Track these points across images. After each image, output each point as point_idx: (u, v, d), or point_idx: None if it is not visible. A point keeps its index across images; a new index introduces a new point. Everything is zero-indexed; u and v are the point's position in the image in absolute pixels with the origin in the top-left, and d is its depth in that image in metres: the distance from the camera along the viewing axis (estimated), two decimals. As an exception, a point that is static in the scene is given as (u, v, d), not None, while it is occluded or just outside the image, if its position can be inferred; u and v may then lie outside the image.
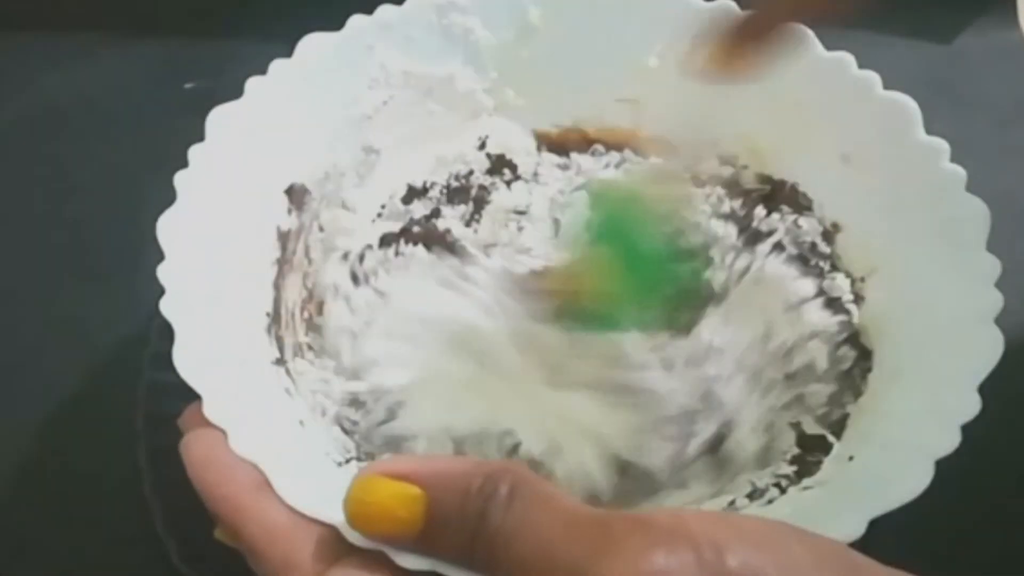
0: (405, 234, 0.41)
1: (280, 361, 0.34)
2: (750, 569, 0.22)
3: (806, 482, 0.32)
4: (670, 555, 0.22)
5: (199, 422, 0.29)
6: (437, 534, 0.24)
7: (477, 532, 0.24)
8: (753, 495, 0.32)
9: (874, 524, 0.27)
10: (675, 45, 0.41)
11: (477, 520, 0.24)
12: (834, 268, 0.37)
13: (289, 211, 0.37)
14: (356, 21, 0.39)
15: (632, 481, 0.34)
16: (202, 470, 0.28)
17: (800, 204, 0.39)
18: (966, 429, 0.28)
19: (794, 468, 0.33)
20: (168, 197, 0.33)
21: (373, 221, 0.41)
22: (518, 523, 0.23)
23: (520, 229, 0.41)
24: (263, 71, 0.37)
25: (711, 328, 0.37)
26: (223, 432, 0.28)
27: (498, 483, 0.24)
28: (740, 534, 0.22)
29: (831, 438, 0.33)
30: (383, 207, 0.41)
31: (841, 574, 0.22)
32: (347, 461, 0.33)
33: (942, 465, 0.28)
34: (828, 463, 0.32)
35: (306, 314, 0.38)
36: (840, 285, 0.37)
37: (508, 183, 0.42)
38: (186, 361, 0.29)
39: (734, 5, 0.40)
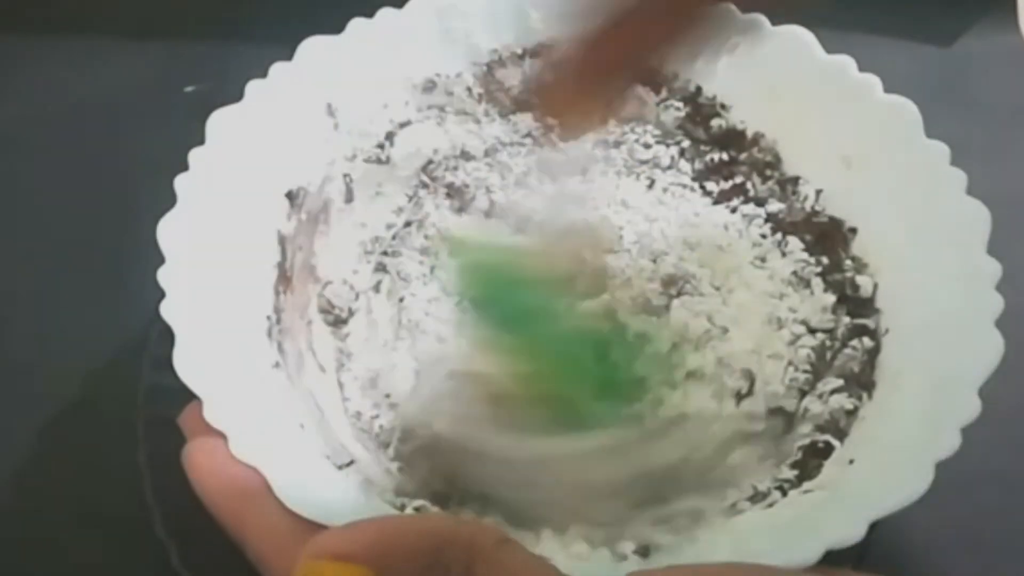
0: None
1: (279, 365, 0.34)
2: None
3: (806, 485, 0.32)
4: None
5: (199, 426, 0.29)
6: None
7: None
8: (754, 498, 0.32)
9: (874, 527, 0.27)
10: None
11: None
12: (838, 269, 0.37)
13: (289, 215, 0.37)
14: (356, 24, 0.39)
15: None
16: (204, 478, 0.28)
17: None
18: (966, 432, 0.28)
19: (795, 472, 0.33)
20: (168, 200, 0.33)
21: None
22: None
23: None
24: (263, 74, 0.37)
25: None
26: (223, 437, 0.28)
27: (450, 563, 0.23)
28: None
29: (833, 441, 0.33)
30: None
31: None
32: (348, 464, 0.33)
33: (942, 468, 0.28)
34: (828, 466, 0.32)
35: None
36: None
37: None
38: (186, 365, 0.29)
39: (734, 8, 0.40)
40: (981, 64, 0.50)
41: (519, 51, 0.42)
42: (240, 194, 0.35)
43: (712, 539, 0.31)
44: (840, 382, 0.34)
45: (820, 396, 0.34)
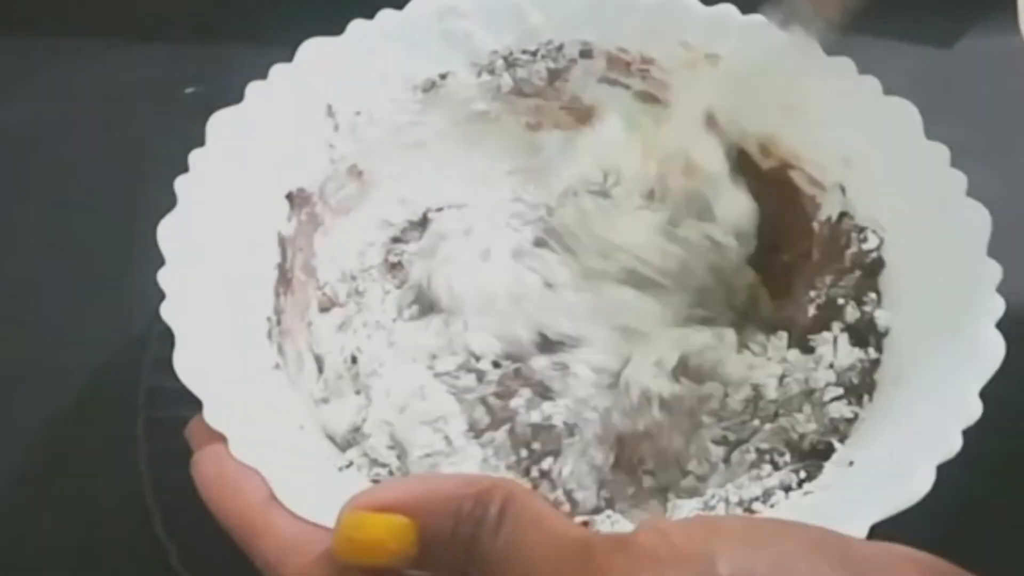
0: None
1: (279, 366, 0.34)
2: (742, 571, 0.22)
3: (807, 487, 0.32)
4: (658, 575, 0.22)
5: (205, 436, 0.29)
6: (431, 559, 0.24)
7: (469, 556, 0.24)
8: (756, 499, 0.32)
9: (875, 529, 0.27)
10: (675, 48, 0.41)
11: (469, 544, 0.24)
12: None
13: (289, 217, 0.37)
14: (357, 26, 0.39)
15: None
16: (211, 487, 0.28)
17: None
18: (967, 433, 0.28)
19: (796, 473, 0.32)
20: (169, 202, 0.33)
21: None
22: (507, 547, 0.23)
23: None
24: (264, 76, 0.37)
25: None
26: (227, 445, 0.28)
27: (488, 504, 0.24)
28: (726, 538, 0.22)
29: (835, 443, 0.33)
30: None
31: (831, 557, 0.22)
32: (348, 466, 0.33)
33: (943, 470, 0.27)
34: (829, 468, 0.32)
35: None
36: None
37: None
38: (186, 366, 0.29)
39: (734, 9, 0.40)
40: (981, 65, 0.50)
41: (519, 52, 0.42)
42: (240, 195, 0.35)
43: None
44: (840, 390, 0.34)
45: (821, 401, 0.34)
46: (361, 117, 0.40)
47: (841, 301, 0.35)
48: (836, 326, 0.35)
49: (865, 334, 0.35)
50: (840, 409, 0.33)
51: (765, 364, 0.36)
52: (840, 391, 0.34)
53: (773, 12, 0.37)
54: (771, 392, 0.35)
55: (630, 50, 0.41)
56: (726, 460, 0.34)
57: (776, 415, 0.34)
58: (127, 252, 0.39)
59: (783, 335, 0.37)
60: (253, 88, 0.37)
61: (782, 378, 0.35)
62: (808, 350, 0.36)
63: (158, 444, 0.36)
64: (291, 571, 0.26)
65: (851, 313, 0.35)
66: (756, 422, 0.34)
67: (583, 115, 0.43)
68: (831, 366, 0.34)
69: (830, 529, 0.24)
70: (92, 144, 0.49)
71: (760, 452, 0.33)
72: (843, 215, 0.37)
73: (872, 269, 0.35)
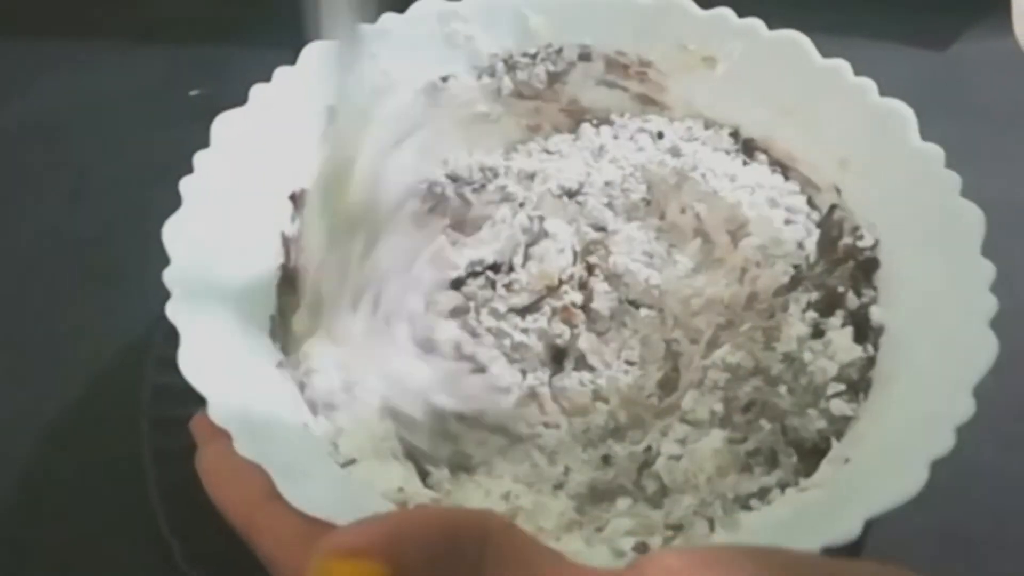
0: None
1: (283, 364, 0.35)
2: None
3: (803, 484, 0.32)
4: None
5: (209, 432, 0.29)
6: None
7: None
8: (752, 496, 0.32)
9: (870, 525, 0.27)
10: (672, 51, 0.41)
11: None
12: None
13: (293, 217, 0.38)
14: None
15: None
16: (215, 482, 0.29)
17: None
18: (961, 431, 0.28)
19: (792, 471, 0.33)
20: (174, 202, 0.33)
21: None
22: None
23: None
24: (267, 78, 0.37)
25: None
26: (229, 436, 0.29)
27: (464, 547, 0.23)
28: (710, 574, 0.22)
29: (832, 440, 0.33)
30: None
31: None
32: (351, 462, 0.33)
33: (937, 467, 0.28)
34: (825, 465, 0.32)
35: None
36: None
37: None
38: (191, 364, 0.30)
39: (731, 12, 0.40)
40: (976, 68, 0.51)
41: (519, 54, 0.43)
42: (244, 196, 0.36)
43: (710, 537, 0.31)
44: (842, 386, 0.34)
45: (827, 396, 0.34)
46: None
47: (841, 289, 0.36)
48: (840, 314, 0.35)
49: (863, 329, 0.35)
50: (840, 407, 0.33)
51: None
52: (842, 387, 0.34)
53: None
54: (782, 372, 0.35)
55: (628, 53, 0.42)
56: (732, 457, 0.34)
57: (784, 413, 0.34)
58: (133, 252, 0.39)
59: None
60: (257, 90, 0.37)
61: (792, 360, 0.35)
62: (819, 333, 0.35)
63: (163, 442, 0.36)
64: (293, 566, 0.27)
65: (852, 300, 0.35)
66: (762, 421, 0.34)
67: (582, 117, 0.43)
68: (833, 357, 0.35)
69: (821, 555, 0.23)
70: (97, 146, 0.49)
71: (758, 451, 0.34)
72: (834, 207, 0.38)
73: (867, 267, 0.36)
